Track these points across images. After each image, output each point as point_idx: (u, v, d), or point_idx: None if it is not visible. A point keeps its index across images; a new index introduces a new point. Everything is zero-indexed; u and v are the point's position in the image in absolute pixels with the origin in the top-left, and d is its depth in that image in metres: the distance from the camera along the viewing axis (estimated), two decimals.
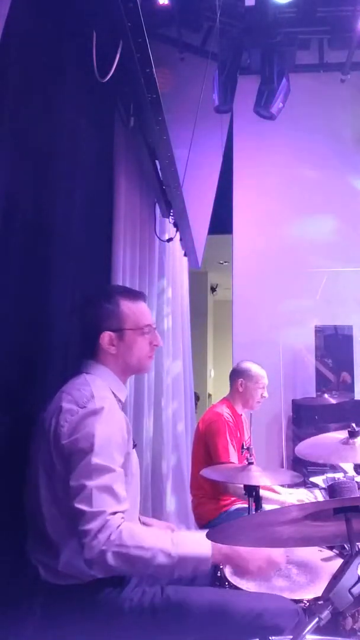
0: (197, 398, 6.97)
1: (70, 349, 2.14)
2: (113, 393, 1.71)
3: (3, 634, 1.53)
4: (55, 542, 1.53)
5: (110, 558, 1.38)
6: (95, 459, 1.47)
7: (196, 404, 6.54)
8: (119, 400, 1.74)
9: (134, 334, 1.75)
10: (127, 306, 1.77)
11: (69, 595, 1.53)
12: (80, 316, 1.84)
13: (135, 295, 1.82)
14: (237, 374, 3.20)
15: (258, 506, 2.07)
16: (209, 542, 1.48)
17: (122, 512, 1.45)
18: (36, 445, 1.63)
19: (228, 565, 1.61)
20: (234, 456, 2.88)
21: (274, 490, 2.86)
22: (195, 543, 1.49)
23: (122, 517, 1.44)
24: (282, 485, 2.90)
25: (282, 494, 2.85)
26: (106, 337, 1.72)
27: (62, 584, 1.54)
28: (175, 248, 4.35)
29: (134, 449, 1.72)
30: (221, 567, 1.84)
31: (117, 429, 1.58)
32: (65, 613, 1.52)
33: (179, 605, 1.52)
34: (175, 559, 1.43)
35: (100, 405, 1.56)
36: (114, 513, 1.42)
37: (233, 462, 2.85)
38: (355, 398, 4.64)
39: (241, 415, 3.19)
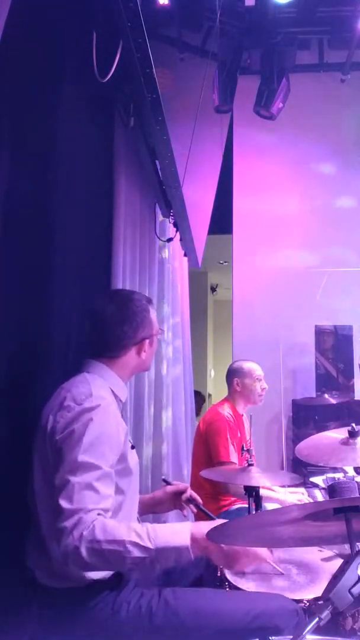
0: (203, 399, 6.96)
1: (72, 347, 2.14)
2: (114, 393, 1.71)
3: (2, 637, 1.53)
4: (47, 537, 1.52)
5: (84, 553, 1.38)
6: (83, 456, 1.47)
7: (202, 405, 6.53)
8: (120, 400, 1.74)
9: (156, 337, 1.84)
10: (152, 312, 1.84)
11: (66, 598, 1.53)
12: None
13: (150, 299, 1.89)
14: (231, 375, 3.23)
15: (258, 506, 2.07)
16: (187, 531, 1.48)
17: (102, 509, 1.45)
18: (35, 441, 1.63)
19: (207, 555, 1.59)
20: (234, 456, 2.88)
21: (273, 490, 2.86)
22: (172, 534, 1.47)
23: (98, 514, 1.43)
24: (282, 486, 2.89)
25: (281, 493, 2.84)
26: (144, 345, 1.78)
27: (59, 587, 1.53)
28: (175, 248, 4.35)
29: (133, 450, 1.72)
30: (221, 566, 1.84)
31: (112, 428, 1.58)
32: (62, 616, 1.51)
33: (176, 608, 1.52)
34: (152, 552, 1.42)
35: (97, 404, 1.56)
36: (91, 510, 1.42)
37: (233, 462, 2.86)
38: (355, 398, 4.64)
39: (242, 415, 3.20)
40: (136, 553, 1.41)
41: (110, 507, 1.50)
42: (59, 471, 1.48)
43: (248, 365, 3.21)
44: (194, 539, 1.47)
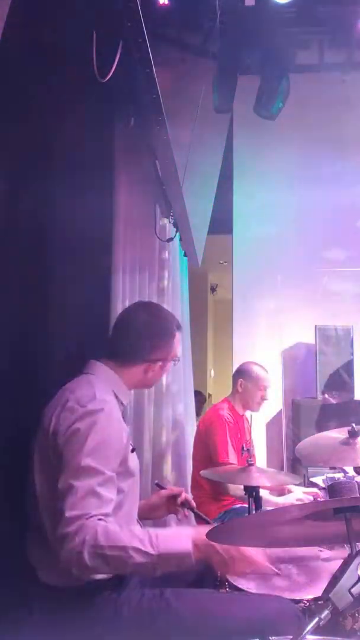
0: (203, 399, 6.96)
1: (72, 346, 2.14)
2: (116, 396, 1.71)
3: (1, 636, 1.53)
4: (52, 541, 1.52)
5: (87, 558, 1.39)
6: (86, 460, 1.47)
7: (202, 405, 6.53)
8: (121, 403, 1.74)
9: (169, 363, 1.84)
10: (177, 338, 1.85)
11: (67, 598, 1.53)
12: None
13: (180, 325, 1.90)
14: (238, 374, 3.19)
15: (258, 506, 2.07)
16: (189, 536, 1.48)
17: (103, 514, 1.45)
18: (35, 442, 1.63)
19: (208, 560, 1.57)
20: (233, 457, 2.88)
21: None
22: (175, 539, 1.48)
23: (100, 519, 1.44)
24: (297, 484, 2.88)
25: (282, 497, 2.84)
26: (155, 366, 1.78)
27: (60, 586, 1.53)
28: (175, 248, 4.35)
29: (133, 453, 1.72)
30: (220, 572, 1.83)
31: (115, 432, 1.58)
32: (63, 615, 1.51)
33: (177, 609, 1.52)
34: (155, 557, 1.42)
35: (100, 407, 1.56)
36: (93, 516, 1.42)
37: (232, 463, 2.85)
38: (355, 398, 4.63)
39: (242, 415, 3.19)
40: (138, 558, 1.42)
41: (111, 511, 1.50)
42: (62, 474, 1.48)
43: (257, 372, 3.16)
44: (195, 544, 1.47)
